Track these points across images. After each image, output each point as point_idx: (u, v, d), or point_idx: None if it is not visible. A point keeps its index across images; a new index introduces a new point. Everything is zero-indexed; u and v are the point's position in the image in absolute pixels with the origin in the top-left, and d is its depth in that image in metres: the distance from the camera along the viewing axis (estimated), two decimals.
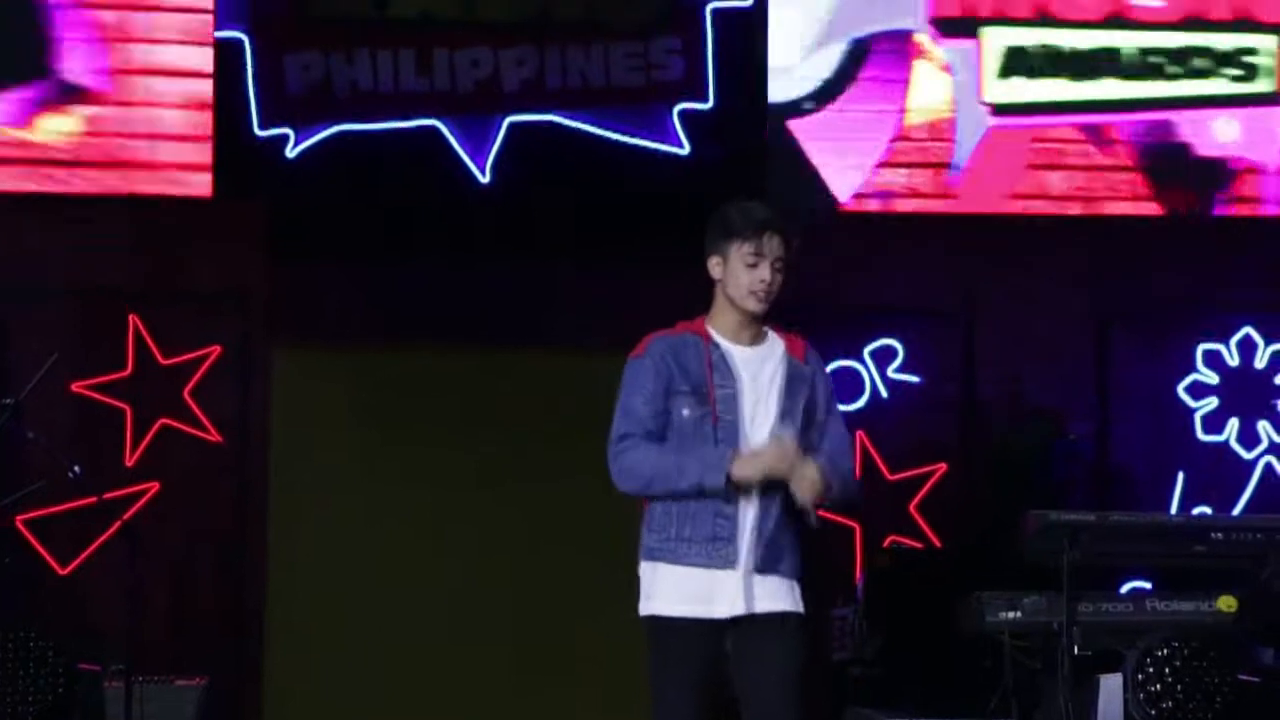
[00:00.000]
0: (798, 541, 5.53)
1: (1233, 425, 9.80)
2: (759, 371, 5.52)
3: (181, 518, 9.49)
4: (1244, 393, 9.81)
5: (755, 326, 5.55)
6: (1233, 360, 9.84)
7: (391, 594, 9.64)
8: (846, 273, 9.69)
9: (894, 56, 10.01)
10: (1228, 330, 9.84)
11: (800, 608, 5.51)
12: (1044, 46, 9.92)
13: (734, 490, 5.40)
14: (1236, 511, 9.54)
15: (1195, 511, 9.44)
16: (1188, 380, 9.83)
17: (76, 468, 8.54)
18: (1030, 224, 9.94)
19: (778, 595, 5.46)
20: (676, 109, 9.84)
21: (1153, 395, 9.81)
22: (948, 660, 7.84)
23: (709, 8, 9.88)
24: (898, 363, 9.81)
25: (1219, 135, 9.95)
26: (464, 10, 9.89)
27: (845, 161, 10.00)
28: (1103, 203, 9.94)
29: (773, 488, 5.43)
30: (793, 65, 9.97)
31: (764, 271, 5.48)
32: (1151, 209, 9.96)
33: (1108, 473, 9.75)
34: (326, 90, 9.77)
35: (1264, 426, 9.80)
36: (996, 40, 9.93)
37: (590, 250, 9.78)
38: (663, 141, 9.81)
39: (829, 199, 9.90)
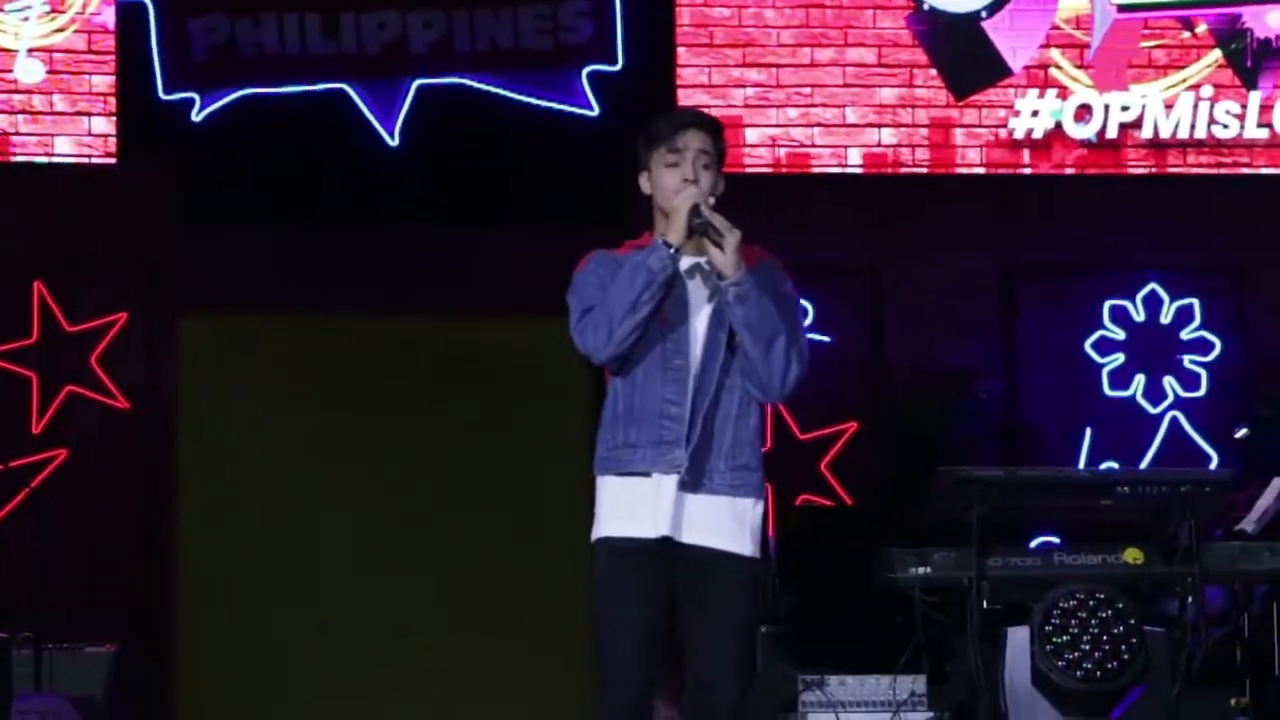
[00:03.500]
0: (748, 450, 5.29)
1: (1139, 381, 9.87)
2: (707, 279, 5.29)
3: (89, 485, 9.43)
4: (1150, 348, 9.88)
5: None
6: (1139, 316, 9.92)
7: (302, 560, 9.64)
8: (755, 232, 9.69)
9: None
10: (1134, 286, 9.91)
11: (742, 547, 5.24)
12: None
13: (676, 250, 5.17)
14: (1143, 465, 9.62)
15: (1102, 466, 9.51)
16: (1094, 336, 9.89)
17: None
18: (935, 181, 9.99)
19: (708, 525, 5.23)
20: (585, 71, 9.84)
21: (1060, 351, 9.87)
22: (859, 617, 7.88)
23: None
24: (806, 322, 9.79)
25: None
26: None
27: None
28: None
29: (721, 389, 5.24)
30: None
31: (686, 169, 5.26)
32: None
33: (1016, 429, 9.81)
34: (232, 53, 9.72)
35: (1169, 381, 9.87)
36: None
37: (500, 213, 9.76)
38: (572, 104, 9.80)
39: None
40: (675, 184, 5.27)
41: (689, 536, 5.22)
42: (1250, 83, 10.02)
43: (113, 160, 9.74)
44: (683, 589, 5.24)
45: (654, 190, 5.33)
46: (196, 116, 9.69)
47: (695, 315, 5.28)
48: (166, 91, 9.69)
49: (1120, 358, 9.89)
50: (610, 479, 5.28)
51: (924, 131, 10.05)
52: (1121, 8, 10.03)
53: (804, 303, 9.54)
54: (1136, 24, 10.09)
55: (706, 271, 5.30)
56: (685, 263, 5.29)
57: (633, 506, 5.22)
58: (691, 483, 5.22)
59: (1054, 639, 6.58)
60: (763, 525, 5.33)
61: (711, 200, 5.26)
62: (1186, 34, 10.12)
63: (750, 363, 5.25)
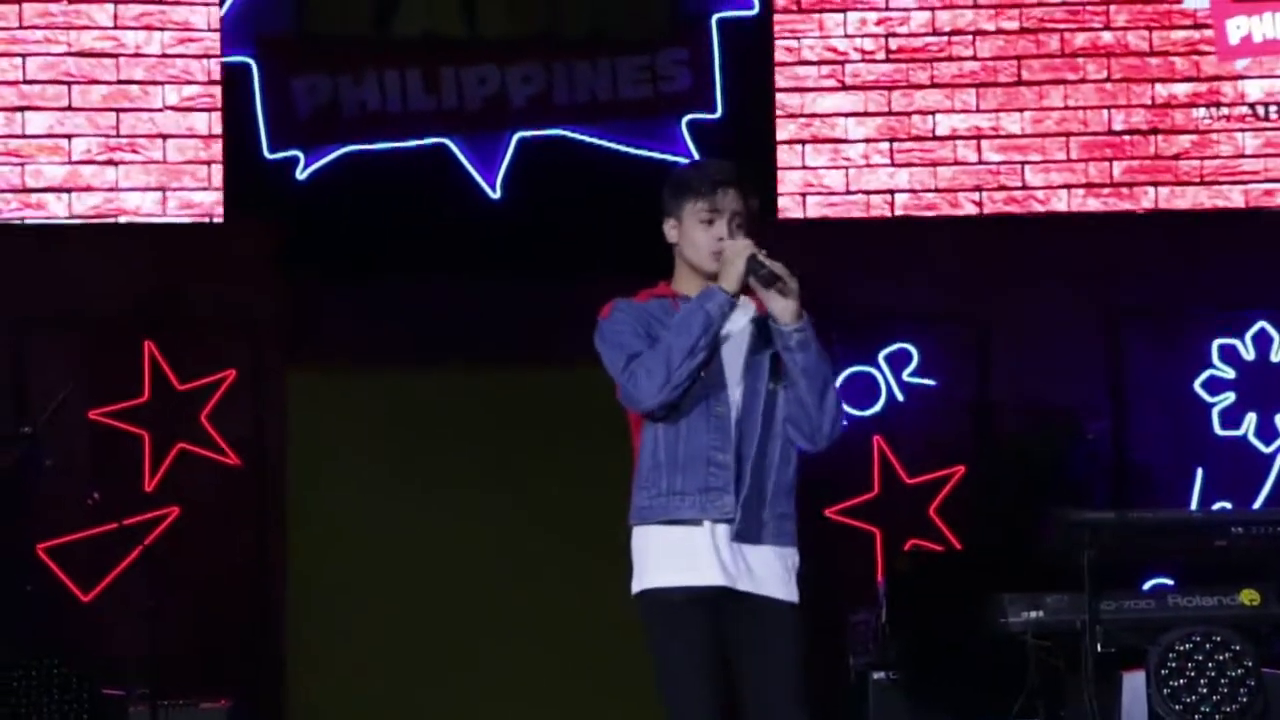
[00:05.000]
0: (786, 499, 5.28)
1: (1250, 419, 9.78)
2: (731, 329, 5.27)
3: (202, 541, 9.50)
4: (1261, 386, 9.80)
5: None
6: (1248, 354, 9.83)
7: (412, 613, 9.65)
8: (858, 278, 9.70)
9: None
10: (1242, 325, 9.83)
11: (789, 594, 5.22)
12: None
13: (735, 299, 5.16)
14: (1256, 505, 9.52)
15: (1215, 507, 9.43)
16: (1204, 376, 9.81)
17: (96, 494, 8.58)
18: (1039, 221, 9.95)
19: (770, 575, 5.21)
20: (685, 120, 9.87)
21: (1169, 391, 9.79)
22: (971, 662, 7.83)
23: (715, 18, 9.91)
24: (913, 366, 9.81)
25: None
26: (469, 28, 9.92)
27: None
28: None
29: (764, 438, 5.23)
30: None
31: (720, 229, 5.25)
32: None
33: (1126, 470, 9.74)
34: (334, 111, 9.80)
35: None
36: None
37: (602, 262, 9.78)
38: (672, 153, 9.83)
39: None
40: (709, 243, 5.25)
41: (744, 585, 5.20)
42: None
43: (220, 219, 9.84)
44: (734, 638, 5.21)
45: (682, 242, 5.33)
46: (301, 174, 9.78)
47: (733, 363, 5.27)
48: (271, 150, 9.78)
49: (1231, 397, 9.80)
50: (656, 528, 5.23)
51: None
52: None
53: (909, 347, 9.75)
54: None
55: (755, 320, 5.28)
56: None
57: (686, 555, 5.18)
58: (743, 531, 5.19)
59: (1171, 682, 6.54)
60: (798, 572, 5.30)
61: (764, 251, 5.22)
62: None
63: (804, 410, 5.23)
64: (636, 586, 5.27)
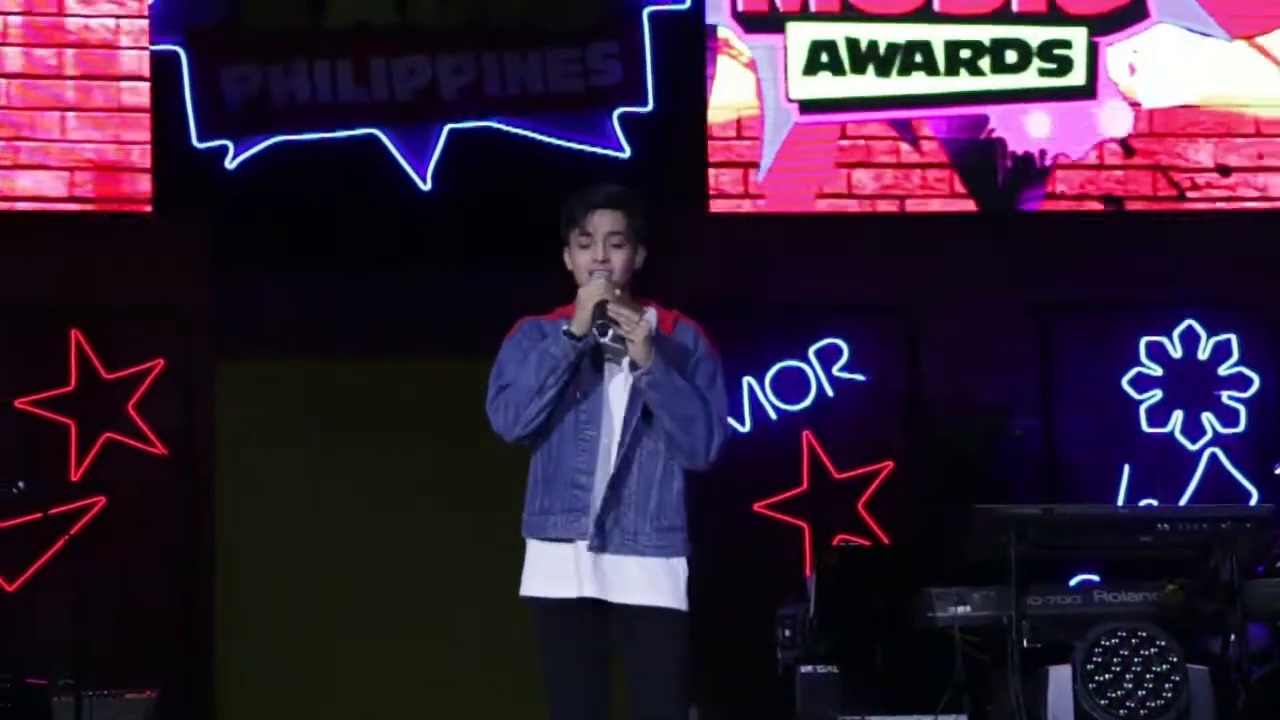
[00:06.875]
0: (674, 512, 5.35)
1: (1177, 417, 9.84)
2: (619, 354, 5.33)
3: (128, 531, 9.46)
4: (1188, 384, 9.85)
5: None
6: (1176, 352, 9.89)
7: (340, 601, 9.63)
8: (790, 272, 9.71)
9: None
10: (1170, 323, 9.88)
11: (676, 601, 5.31)
12: (850, 41, 9.95)
13: (579, 340, 5.22)
14: (1182, 502, 9.58)
15: (1141, 503, 9.48)
16: (1132, 373, 9.87)
17: (21, 483, 8.51)
18: (971, 218, 9.98)
19: (640, 584, 5.31)
20: (616, 112, 9.86)
21: (1097, 388, 9.84)
22: (899, 657, 7.86)
23: (646, 11, 9.91)
24: (843, 361, 9.82)
25: (1031, 130, 9.99)
26: (399, 18, 9.90)
27: None
28: (914, 201, 9.96)
29: (629, 452, 5.31)
30: None
31: (596, 250, 5.32)
32: (964, 206, 9.98)
33: (1054, 466, 9.79)
34: (264, 102, 9.77)
35: (1208, 418, 9.84)
36: (802, 35, 9.94)
37: (533, 254, 9.76)
38: (603, 145, 9.82)
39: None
40: (587, 264, 5.34)
41: (620, 596, 5.32)
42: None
43: (148, 208, 9.78)
44: (617, 644, 5.35)
45: (572, 269, 5.41)
46: (230, 164, 9.73)
47: (611, 383, 5.35)
48: (200, 140, 9.74)
49: (1158, 394, 9.85)
50: (534, 542, 5.41)
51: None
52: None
53: (839, 342, 9.76)
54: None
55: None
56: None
57: (553, 568, 5.35)
58: (620, 546, 5.31)
59: (1096, 677, 6.57)
60: (687, 579, 5.38)
61: (617, 293, 5.27)
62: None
63: (670, 438, 5.33)
64: (521, 591, 5.45)
